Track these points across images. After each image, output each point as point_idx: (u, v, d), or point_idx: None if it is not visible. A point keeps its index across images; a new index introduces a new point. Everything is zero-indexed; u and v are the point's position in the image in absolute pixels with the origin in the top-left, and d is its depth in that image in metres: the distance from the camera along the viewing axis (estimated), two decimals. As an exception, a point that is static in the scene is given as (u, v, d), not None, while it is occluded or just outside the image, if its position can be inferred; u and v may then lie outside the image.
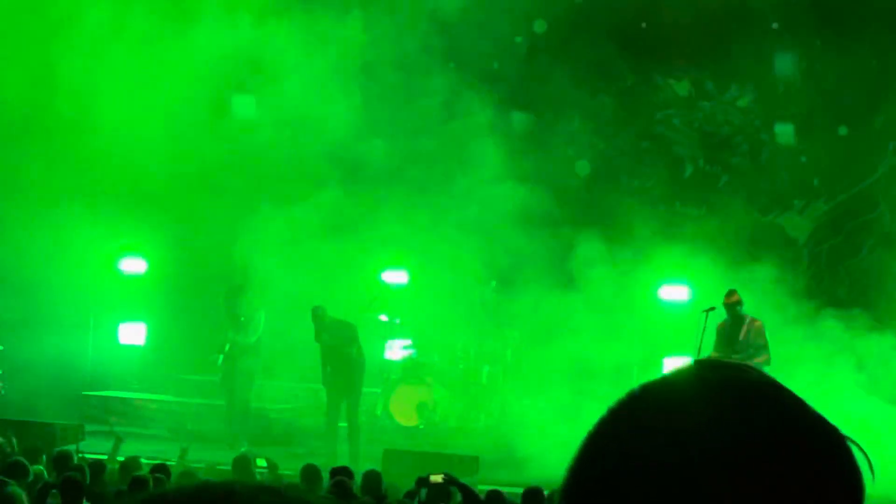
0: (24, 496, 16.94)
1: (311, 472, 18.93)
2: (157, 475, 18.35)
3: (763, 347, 24.83)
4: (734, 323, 25.04)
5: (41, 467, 19.42)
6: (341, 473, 18.62)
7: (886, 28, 28.59)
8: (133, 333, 30.40)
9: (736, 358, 24.49)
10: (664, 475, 2.10)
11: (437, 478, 18.14)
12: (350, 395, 25.99)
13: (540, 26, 30.64)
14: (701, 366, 2.24)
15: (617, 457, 2.16)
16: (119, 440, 21.84)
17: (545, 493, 17.33)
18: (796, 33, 29.39)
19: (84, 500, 17.15)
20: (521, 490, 17.38)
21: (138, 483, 17.78)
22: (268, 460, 21.42)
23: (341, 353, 25.95)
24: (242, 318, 27.37)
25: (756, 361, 24.21)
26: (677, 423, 2.15)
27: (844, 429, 2.23)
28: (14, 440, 22.01)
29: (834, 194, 29.52)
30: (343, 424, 25.78)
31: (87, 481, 18.04)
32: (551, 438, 22.80)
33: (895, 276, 26.79)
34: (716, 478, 2.09)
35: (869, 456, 2.18)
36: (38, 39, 26.65)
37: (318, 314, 26.03)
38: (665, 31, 30.21)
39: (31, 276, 28.12)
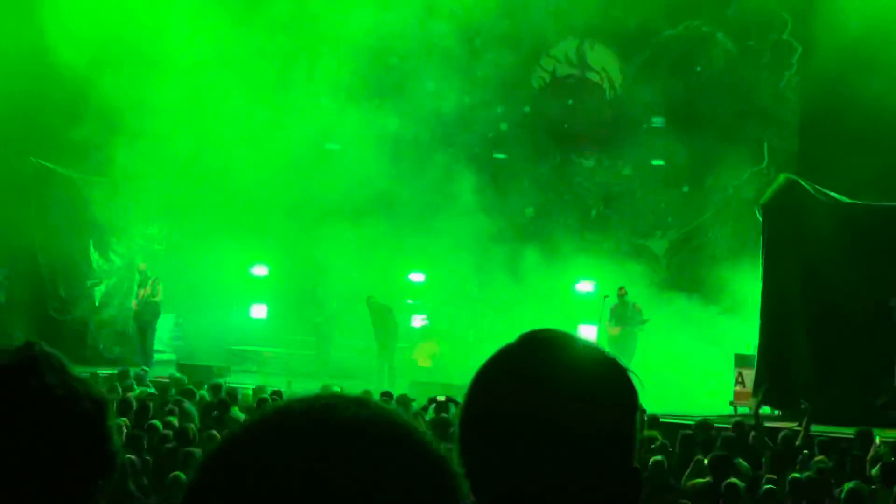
0: (195, 410, 17.32)
1: (366, 395, 19.13)
2: (275, 397, 18.57)
3: (640, 319, 25.02)
4: (622, 306, 25.21)
5: (203, 392, 19.52)
6: (385, 395, 18.87)
7: (709, 127, 28.72)
8: (259, 311, 30.35)
9: (623, 326, 24.80)
10: (509, 405, 2.08)
11: (441, 398, 18.49)
12: (389, 348, 26.24)
13: (504, 126, 30.79)
14: (531, 333, 2.21)
15: (483, 394, 2.14)
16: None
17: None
18: (656, 130, 29.44)
19: (233, 410, 17.38)
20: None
21: (262, 401, 18.04)
22: (341, 388, 21.58)
23: (384, 323, 26.18)
24: (319, 304, 27.61)
25: (638, 326, 24.64)
26: (510, 367, 2.13)
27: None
28: (185, 376, 22.08)
29: (681, 227, 29.41)
30: (386, 366, 26.17)
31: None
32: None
33: (716, 277, 26.66)
34: (520, 397, 2.07)
35: (641, 379, 2.19)
36: (192, 134, 26.38)
37: (369, 301, 26.28)
38: (578, 129, 30.34)
39: (195, 275, 28.19)
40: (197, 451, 13.37)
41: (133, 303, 27.60)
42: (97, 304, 28.55)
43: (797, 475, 12.99)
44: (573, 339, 2.19)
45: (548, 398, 2.07)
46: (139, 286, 27.64)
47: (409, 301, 28.89)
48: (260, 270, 30.17)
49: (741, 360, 23.07)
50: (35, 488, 2.17)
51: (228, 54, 26.79)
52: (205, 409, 17.85)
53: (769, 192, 23.47)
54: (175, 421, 15.72)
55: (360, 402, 1.54)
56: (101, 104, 25.78)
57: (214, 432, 14.54)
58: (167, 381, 21.38)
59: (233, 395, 19.06)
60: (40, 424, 2.21)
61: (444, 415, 17.08)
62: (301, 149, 26.95)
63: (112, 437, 2.30)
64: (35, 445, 2.20)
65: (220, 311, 29.07)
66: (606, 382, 2.13)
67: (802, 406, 18.06)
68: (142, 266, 27.88)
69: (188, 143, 26.24)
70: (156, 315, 27.35)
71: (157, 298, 27.22)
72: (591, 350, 2.18)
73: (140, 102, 25.97)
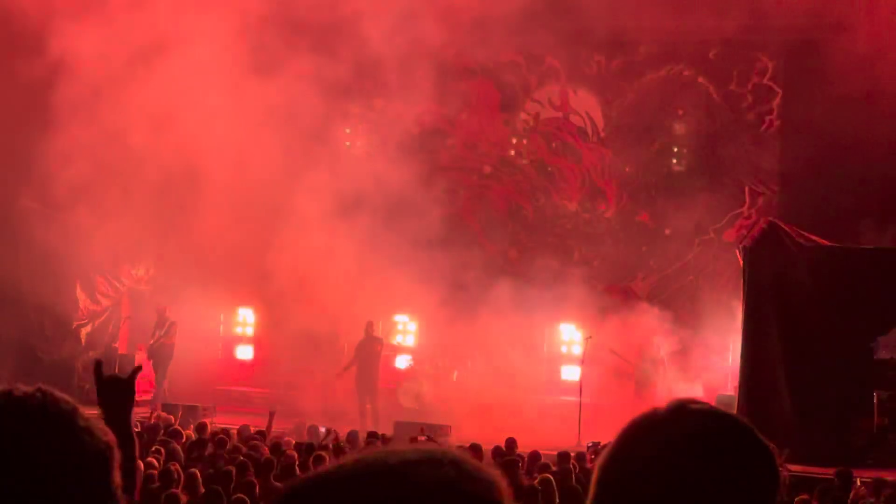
0: (180, 451, 17.31)
1: (353, 435, 19.08)
2: (257, 438, 18.58)
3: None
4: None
5: (190, 433, 19.62)
6: (372, 436, 18.88)
7: (691, 170, 28.91)
8: (245, 352, 30.44)
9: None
10: (660, 474, 2.08)
11: (422, 438, 18.49)
12: (373, 389, 26.23)
13: (487, 168, 30.89)
14: (682, 401, 2.21)
15: (631, 459, 2.14)
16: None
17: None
18: (638, 173, 29.63)
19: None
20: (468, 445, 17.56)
21: (247, 438, 18.08)
22: (327, 428, 21.53)
23: (370, 357, 26.21)
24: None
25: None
26: (666, 437, 2.13)
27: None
28: (172, 416, 22.07)
29: (663, 269, 29.53)
30: (368, 405, 26.04)
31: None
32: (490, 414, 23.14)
33: (696, 318, 26.81)
34: (691, 475, 2.07)
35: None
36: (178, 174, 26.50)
37: (368, 326, 26.34)
38: (561, 172, 30.51)
39: (181, 316, 28.12)
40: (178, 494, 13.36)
41: (147, 343, 27.87)
42: (84, 345, 28.58)
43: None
44: (723, 413, 2.22)
45: (690, 472, 2.08)
46: (155, 327, 27.84)
47: (396, 340, 28.87)
48: (246, 311, 30.26)
49: (722, 402, 23.15)
50: None
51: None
52: (189, 447, 17.89)
53: (750, 234, 23.66)
54: (158, 461, 15.75)
55: (448, 462, 1.64)
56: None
57: (196, 472, 14.54)
58: (154, 420, 21.37)
59: (221, 434, 19.04)
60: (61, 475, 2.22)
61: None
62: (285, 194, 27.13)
63: (113, 476, 2.32)
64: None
65: (206, 350, 29.08)
66: (751, 465, 2.15)
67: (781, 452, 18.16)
68: (161, 306, 27.96)
69: (174, 185, 26.53)
70: (169, 357, 27.72)
71: (171, 342, 27.68)
72: (738, 428, 2.20)
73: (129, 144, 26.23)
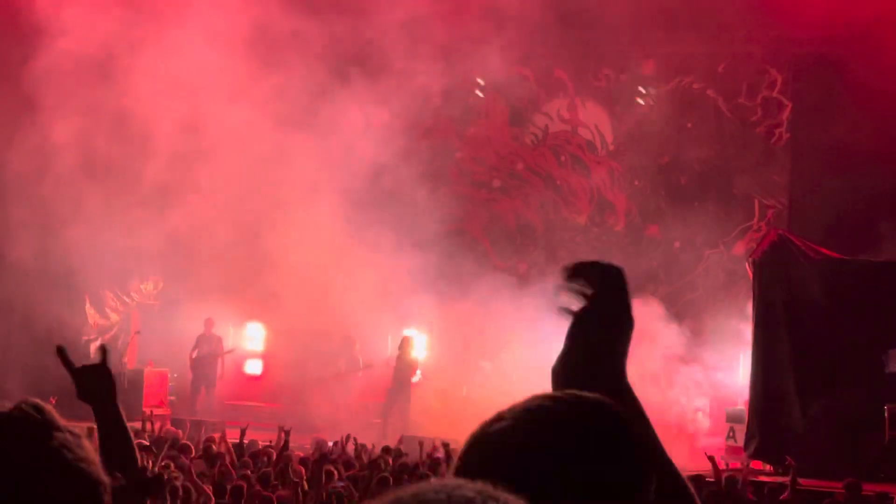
0: (189, 466, 17.31)
1: (359, 447, 19.08)
2: (268, 449, 18.56)
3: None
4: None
5: (198, 447, 19.58)
6: (385, 450, 18.86)
7: (700, 183, 28.94)
8: (254, 367, 30.53)
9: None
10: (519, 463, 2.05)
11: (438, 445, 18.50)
12: (406, 401, 26.42)
13: (496, 182, 31.02)
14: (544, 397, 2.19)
15: (489, 451, 2.12)
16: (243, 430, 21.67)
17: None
18: (647, 186, 29.69)
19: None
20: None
21: (255, 454, 18.08)
22: (335, 441, 21.43)
23: (408, 380, 26.29)
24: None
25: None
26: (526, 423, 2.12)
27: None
28: (180, 431, 22.07)
29: (672, 282, 29.54)
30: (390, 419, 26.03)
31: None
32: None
33: (706, 331, 26.74)
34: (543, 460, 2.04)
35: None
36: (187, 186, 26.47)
37: (404, 342, 26.54)
38: (571, 185, 30.55)
39: (190, 331, 28.18)
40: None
41: (192, 355, 28.35)
42: (93, 360, 28.57)
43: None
44: (587, 399, 2.17)
45: (549, 457, 2.06)
46: (203, 341, 28.47)
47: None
48: (255, 326, 30.37)
49: (732, 415, 23.16)
50: None
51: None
52: (196, 460, 17.90)
53: (760, 247, 23.68)
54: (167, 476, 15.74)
55: (495, 497, 1.58)
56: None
57: (207, 487, 14.56)
58: (161, 434, 21.39)
59: (229, 449, 19.04)
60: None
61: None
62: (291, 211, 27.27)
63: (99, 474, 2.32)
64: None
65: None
66: (610, 452, 2.10)
67: (786, 462, 18.18)
68: (209, 320, 28.44)
69: (184, 197, 26.62)
70: (215, 369, 28.45)
71: (219, 355, 28.41)
72: (602, 414, 2.15)
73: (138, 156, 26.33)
